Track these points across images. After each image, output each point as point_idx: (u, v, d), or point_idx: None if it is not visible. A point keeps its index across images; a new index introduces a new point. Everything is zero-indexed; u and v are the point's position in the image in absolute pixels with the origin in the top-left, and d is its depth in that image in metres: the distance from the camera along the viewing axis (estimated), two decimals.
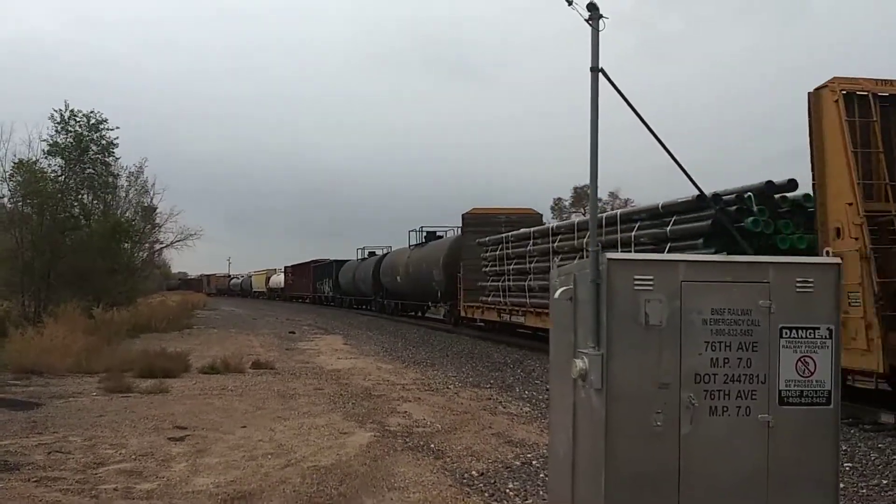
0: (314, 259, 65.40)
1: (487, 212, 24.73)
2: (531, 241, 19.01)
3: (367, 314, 42.99)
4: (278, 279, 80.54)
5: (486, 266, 22.28)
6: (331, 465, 7.15)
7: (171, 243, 38.83)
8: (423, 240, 34.48)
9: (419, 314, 37.39)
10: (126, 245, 30.70)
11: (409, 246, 35.77)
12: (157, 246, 40.07)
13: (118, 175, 30.75)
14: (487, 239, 22.30)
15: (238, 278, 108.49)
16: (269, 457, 7.52)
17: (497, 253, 21.19)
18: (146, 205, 34.94)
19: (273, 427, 9.03)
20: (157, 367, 13.61)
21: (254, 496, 6.19)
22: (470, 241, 23.85)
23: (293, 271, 73.68)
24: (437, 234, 33.97)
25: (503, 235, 21.11)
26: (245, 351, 18.55)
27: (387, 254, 42.54)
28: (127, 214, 32.51)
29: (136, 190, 33.97)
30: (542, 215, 24.21)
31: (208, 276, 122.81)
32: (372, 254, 48.14)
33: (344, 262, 53.17)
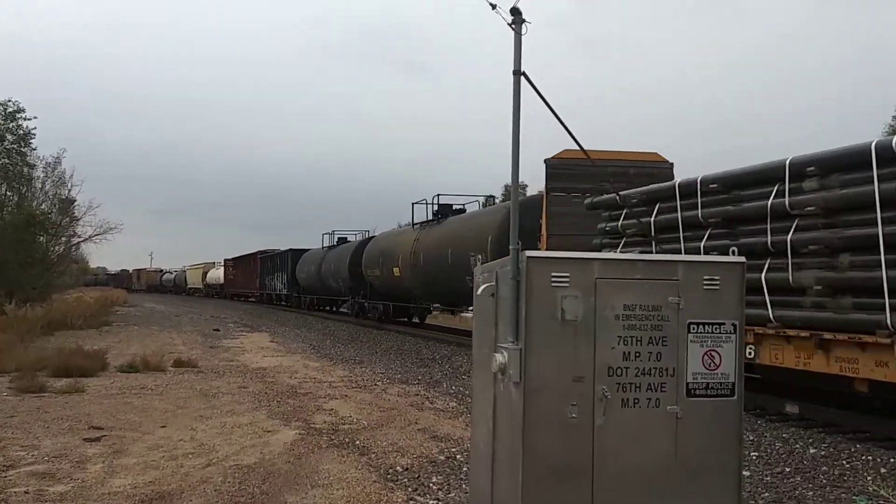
0: (261, 249, 54.74)
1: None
2: (777, 189, 8.85)
3: (340, 320, 33.13)
4: (217, 274, 70.94)
5: (615, 244, 12.11)
6: (253, 464, 7.10)
7: (90, 237, 37.60)
8: (435, 214, 24.05)
9: (413, 321, 28.35)
10: (41, 238, 29.62)
11: (414, 225, 25.52)
12: (75, 240, 38.73)
13: (34, 166, 29.73)
14: (620, 196, 11.83)
15: (171, 273, 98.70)
16: (190, 456, 7.41)
17: (647, 220, 11.12)
18: (63, 197, 33.81)
19: (194, 426, 8.89)
20: (72, 365, 13.18)
21: (173, 496, 6.10)
22: (562, 204, 14.74)
23: (235, 265, 63.59)
24: (455, 207, 24.36)
25: (671, 185, 10.99)
26: (166, 349, 18.14)
27: (371, 238, 31.49)
28: (43, 207, 31.40)
29: (52, 181, 32.90)
30: (672, 164, 15.10)
31: (138, 270, 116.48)
32: (343, 240, 37.32)
33: (303, 251, 42.83)
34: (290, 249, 44.80)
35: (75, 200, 35.05)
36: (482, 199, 24.20)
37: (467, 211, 23.77)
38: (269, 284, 50.67)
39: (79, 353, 14.89)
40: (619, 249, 11.76)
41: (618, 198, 12.03)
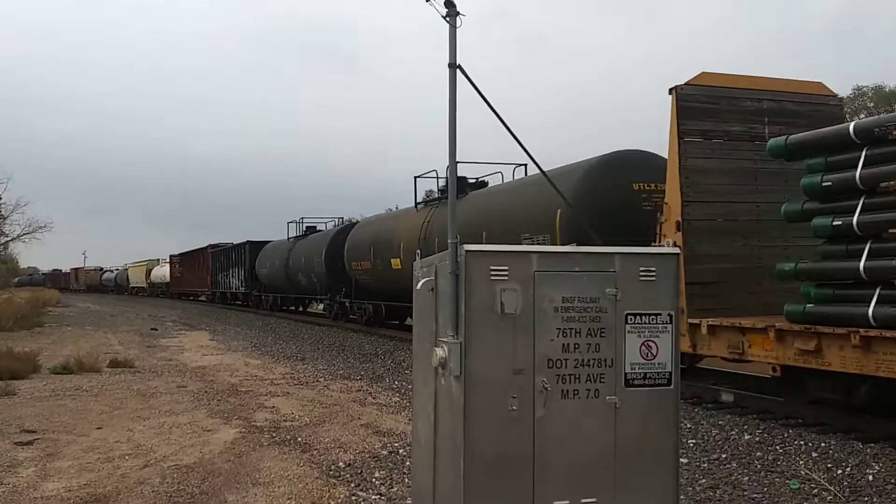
0: (212, 244, 49.54)
1: (733, 83, 10.11)
2: None
3: (291, 319, 29.50)
4: (162, 272, 66.03)
5: (842, 207, 7.87)
6: (193, 464, 6.97)
7: (19, 236, 36.36)
8: (441, 191, 19.32)
9: (406, 324, 22.21)
10: None
11: (418, 204, 20.20)
12: (3, 239, 37.39)
13: None
14: (856, 129, 7.78)
15: (111, 272, 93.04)
16: (127, 458, 7.25)
17: None
18: None
19: (132, 427, 8.69)
20: (2, 367, 12.73)
21: (109, 499, 5.95)
22: (702, 154, 9.87)
23: (182, 261, 58.67)
24: (470, 180, 18.41)
25: None
26: (102, 349, 17.65)
27: (353, 224, 26.93)
28: None
29: None
30: (841, 99, 11.40)
31: (76, 269, 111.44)
32: (312, 230, 32.03)
33: (263, 243, 37.54)
34: (248, 242, 39.55)
35: (0, 198, 33.89)
36: (509, 169, 17.41)
37: (489, 184, 18.13)
38: (222, 282, 45.41)
39: (8, 354, 14.36)
40: (856, 215, 7.61)
41: (851, 133, 7.77)
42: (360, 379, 12.96)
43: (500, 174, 17.73)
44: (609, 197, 12.09)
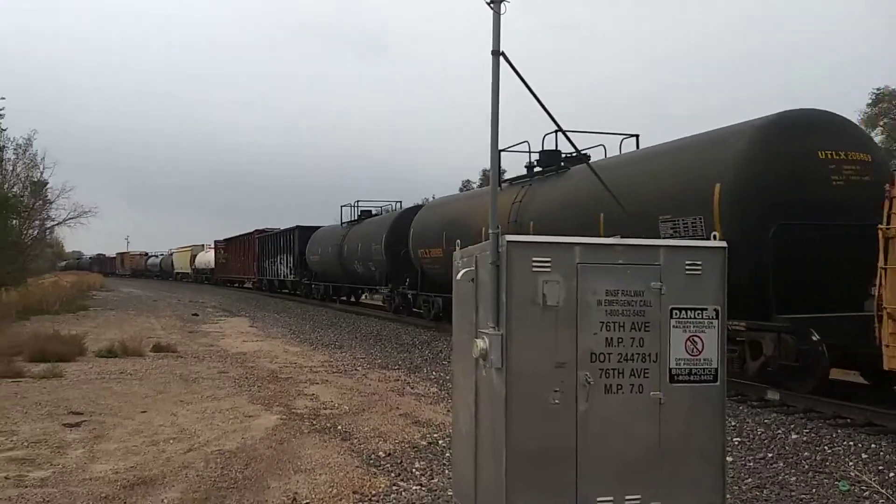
0: (259, 229, 47.59)
1: None
2: None
3: (358, 313, 26.45)
4: (206, 257, 64.03)
5: None
6: (235, 449, 7.06)
7: (64, 220, 37.21)
8: (530, 168, 16.00)
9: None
10: (14, 221, 29.20)
11: (502, 182, 16.47)
12: (49, 223, 38.33)
13: (4, 147, 29.33)
14: None
15: (156, 257, 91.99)
16: (172, 441, 7.37)
17: None
18: (35, 180, 33.44)
19: (175, 411, 8.83)
20: (49, 350, 13.04)
21: (155, 482, 6.05)
22: None
23: (227, 247, 56.62)
24: (565, 154, 15.15)
25: None
26: (145, 334, 17.97)
27: (419, 207, 23.92)
28: (14, 189, 31.01)
29: (24, 164, 32.53)
30: None
31: (121, 254, 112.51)
32: (367, 214, 29.30)
33: (314, 229, 34.86)
34: (297, 227, 36.89)
35: (48, 183, 34.74)
36: (614, 141, 14.71)
37: (591, 157, 13.99)
38: (269, 269, 43.24)
39: (56, 337, 14.72)
40: None
41: None
42: (398, 369, 13.00)
43: (601, 147, 14.96)
44: (786, 168, 9.51)
